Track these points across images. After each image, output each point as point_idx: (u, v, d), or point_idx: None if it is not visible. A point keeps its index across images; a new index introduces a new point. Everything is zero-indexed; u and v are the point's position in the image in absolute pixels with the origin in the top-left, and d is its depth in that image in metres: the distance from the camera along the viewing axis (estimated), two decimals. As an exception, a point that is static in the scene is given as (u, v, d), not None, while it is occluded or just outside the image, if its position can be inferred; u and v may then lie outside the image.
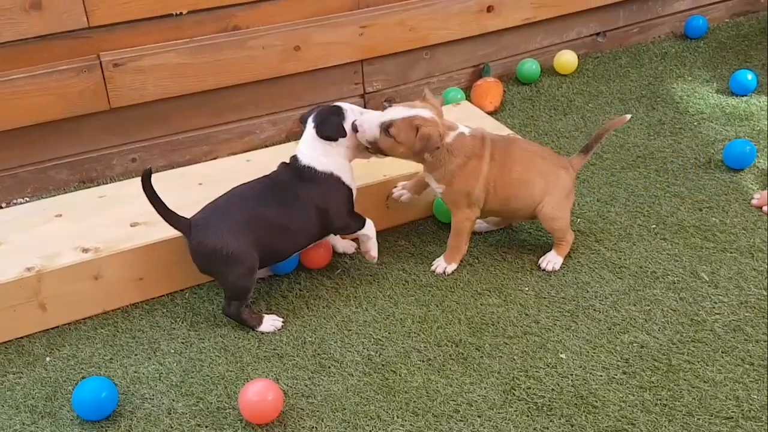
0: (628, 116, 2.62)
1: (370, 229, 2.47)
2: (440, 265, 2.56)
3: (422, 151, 2.34)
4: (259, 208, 2.32)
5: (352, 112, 2.42)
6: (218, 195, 2.59)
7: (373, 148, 2.40)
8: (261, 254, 2.30)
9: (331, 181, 2.38)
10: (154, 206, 2.24)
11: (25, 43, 2.80)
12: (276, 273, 2.56)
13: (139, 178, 2.21)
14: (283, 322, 2.38)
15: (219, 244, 2.24)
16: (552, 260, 2.55)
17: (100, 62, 2.90)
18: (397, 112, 2.35)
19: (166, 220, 2.27)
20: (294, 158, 2.43)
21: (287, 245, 2.38)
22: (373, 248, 2.50)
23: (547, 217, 2.50)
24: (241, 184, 2.40)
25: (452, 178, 2.43)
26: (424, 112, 2.36)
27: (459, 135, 2.43)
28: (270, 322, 2.36)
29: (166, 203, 2.25)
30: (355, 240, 2.61)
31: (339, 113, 2.41)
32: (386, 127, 2.33)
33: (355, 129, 2.36)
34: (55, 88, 2.87)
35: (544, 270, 2.53)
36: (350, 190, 2.43)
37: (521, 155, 2.50)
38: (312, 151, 2.40)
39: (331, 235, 2.55)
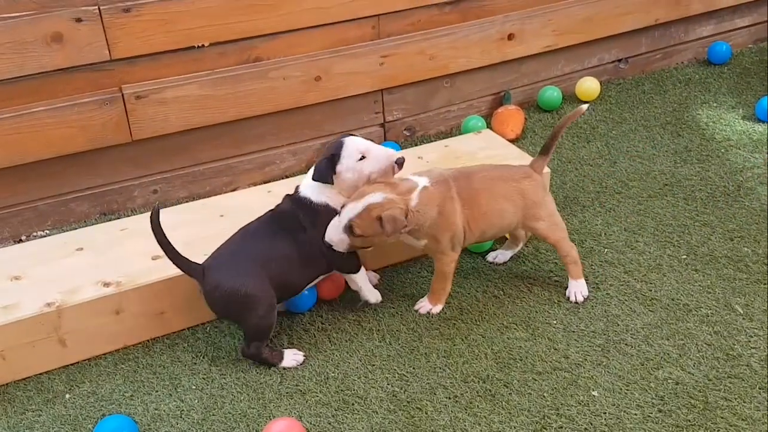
0: (585, 107, 2.55)
1: (358, 277, 2.42)
2: (425, 305, 2.50)
3: (395, 232, 2.26)
4: (268, 244, 2.28)
5: (349, 155, 2.31)
6: (240, 226, 2.58)
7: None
8: (277, 290, 2.27)
9: (327, 213, 2.32)
10: (164, 250, 2.22)
11: (46, 76, 2.81)
12: (295, 311, 2.51)
13: (161, 211, 2.19)
14: (304, 356, 2.33)
15: (235, 286, 2.21)
16: (576, 288, 2.49)
17: (122, 94, 2.90)
18: (351, 209, 2.26)
19: (178, 266, 2.25)
20: (296, 189, 2.41)
21: (300, 277, 2.33)
22: (365, 293, 2.45)
23: (543, 233, 2.47)
24: (250, 222, 2.37)
25: (433, 230, 2.37)
26: (373, 197, 2.25)
27: (422, 191, 2.32)
28: (291, 357, 2.32)
29: (174, 249, 2.24)
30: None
31: (332, 157, 2.32)
32: (349, 229, 2.27)
33: (328, 246, 2.29)
34: (77, 121, 2.87)
35: (575, 302, 2.48)
36: None
37: (483, 185, 2.43)
38: (312, 187, 2.36)
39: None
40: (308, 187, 2.36)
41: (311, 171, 2.38)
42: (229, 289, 2.21)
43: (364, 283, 2.44)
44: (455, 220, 2.37)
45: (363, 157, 2.32)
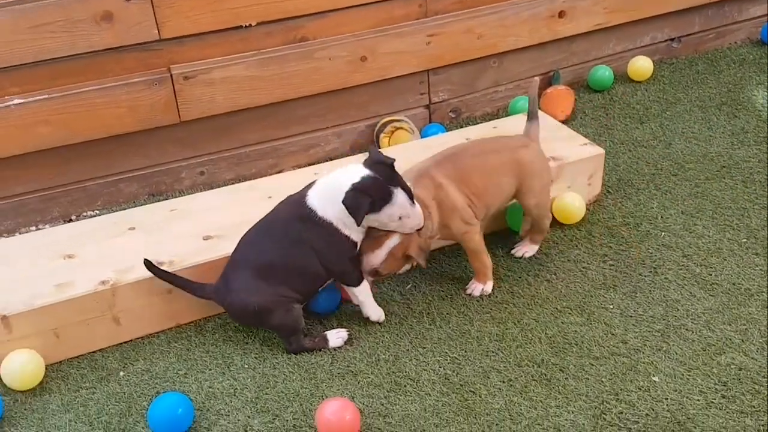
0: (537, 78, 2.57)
1: (360, 291, 2.30)
2: (476, 287, 2.46)
3: (426, 250, 2.30)
4: (268, 255, 2.22)
5: (391, 214, 2.15)
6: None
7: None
8: (291, 288, 2.23)
9: (329, 228, 2.20)
10: (176, 285, 2.28)
11: (96, 55, 2.81)
12: (318, 312, 2.43)
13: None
14: (348, 331, 2.31)
15: (243, 303, 2.22)
16: (529, 249, 2.57)
17: (171, 75, 2.90)
18: (373, 258, 2.24)
19: (192, 293, 2.29)
20: (308, 189, 2.26)
21: (304, 284, 2.26)
22: (366, 309, 2.35)
23: (530, 208, 2.48)
24: (249, 229, 2.30)
25: (441, 222, 2.33)
26: (392, 241, 2.23)
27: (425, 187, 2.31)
28: (335, 337, 2.30)
29: (186, 279, 2.28)
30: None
31: (375, 203, 2.12)
32: (374, 273, 2.28)
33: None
34: (126, 101, 2.87)
35: (521, 257, 2.56)
36: (351, 240, 2.22)
37: (473, 162, 2.38)
38: (325, 191, 2.20)
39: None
40: (318, 196, 2.21)
41: (335, 176, 2.20)
42: (241, 308, 2.24)
43: (366, 297, 2.32)
44: (455, 202, 2.32)
45: (400, 218, 2.17)
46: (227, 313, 2.34)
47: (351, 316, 2.41)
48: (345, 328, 2.34)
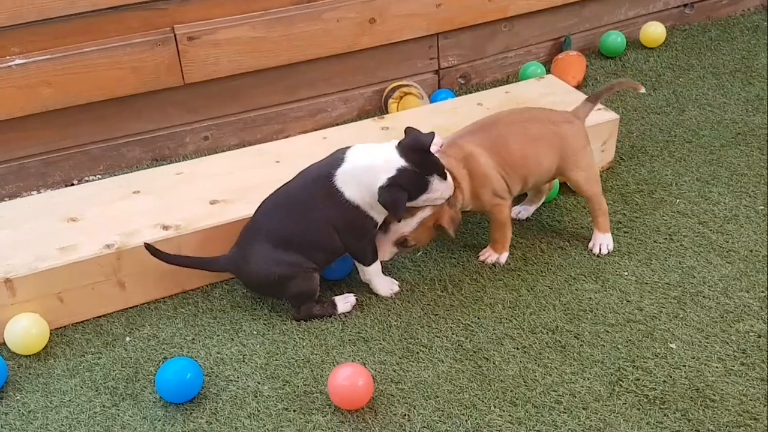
0: (643, 89, 2.47)
1: (371, 271, 2.26)
2: (490, 255, 2.40)
3: (456, 221, 2.24)
4: (286, 228, 2.16)
5: (425, 200, 2.14)
6: (296, 172, 2.50)
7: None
8: (311, 258, 2.18)
9: (355, 211, 2.14)
10: (187, 266, 2.23)
11: (98, 14, 2.73)
12: (329, 278, 2.38)
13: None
14: (356, 296, 2.27)
15: (263, 273, 2.17)
16: (603, 241, 2.40)
17: (175, 35, 2.82)
18: (403, 225, 2.20)
19: (207, 269, 2.25)
20: (336, 165, 2.15)
21: (322, 257, 2.21)
22: (375, 287, 2.30)
23: (580, 185, 2.35)
24: (270, 195, 2.23)
25: (473, 195, 2.27)
26: (425, 213, 2.19)
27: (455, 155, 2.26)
28: (343, 303, 2.26)
29: (194, 257, 2.24)
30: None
31: (411, 195, 2.10)
32: (403, 242, 2.23)
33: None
34: (129, 62, 2.80)
35: (598, 255, 2.38)
36: (373, 221, 2.18)
37: (510, 129, 2.30)
38: (355, 176, 2.12)
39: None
40: (348, 181, 2.12)
41: (359, 164, 2.11)
42: (257, 277, 2.19)
43: (375, 276, 2.28)
44: (487, 172, 2.25)
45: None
46: (243, 284, 2.30)
47: (361, 283, 2.37)
48: (354, 293, 2.30)
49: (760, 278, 2.24)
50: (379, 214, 2.18)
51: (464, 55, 3.38)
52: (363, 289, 2.34)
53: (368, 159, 2.12)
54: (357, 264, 2.28)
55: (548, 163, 2.32)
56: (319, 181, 2.16)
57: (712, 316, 2.13)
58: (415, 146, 2.10)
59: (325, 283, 2.35)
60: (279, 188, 2.24)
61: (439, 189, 2.13)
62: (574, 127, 2.34)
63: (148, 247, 2.18)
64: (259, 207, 2.24)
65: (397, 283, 2.33)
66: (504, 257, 2.41)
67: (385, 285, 2.31)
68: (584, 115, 2.39)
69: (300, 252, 2.16)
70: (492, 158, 2.26)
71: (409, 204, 2.12)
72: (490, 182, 2.27)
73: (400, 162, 2.08)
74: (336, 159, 2.17)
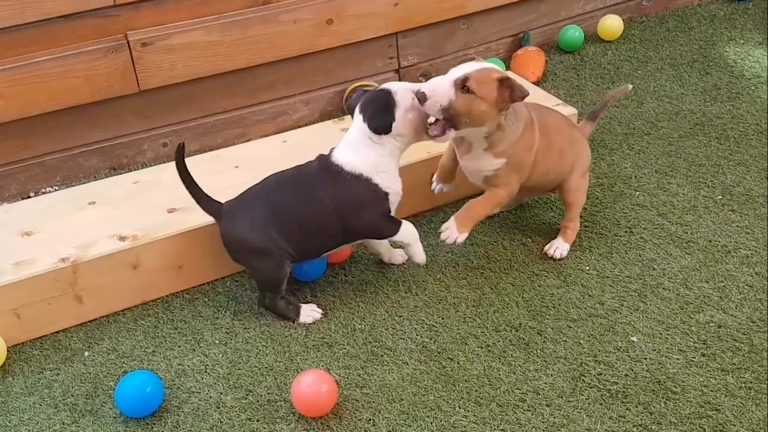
0: (630, 86, 2.52)
1: (405, 234, 2.20)
2: (451, 233, 2.21)
3: (509, 102, 2.06)
4: (286, 202, 2.16)
5: (404, 95, 2.11)
6: (256, 177, 2.47)
7: (446, 116, 2.05)
8: (293, 247, 2.15)
9: (358, 182, 2.14)
10: (187, 187, 2.17)
11: (49, 23, 2.67)
12: (303, 279, 2.36)
13: (172, 164, 2.12)
14: (322, 313, 2.24)
15: (244, 236, 2.14)
16: (560, 246, 2.37)
17: (128, 42, 2.77)
18: (468, 66, 2.07)
19: (199, 203, 2.19)
20: (331, 152, 2.21)
21: (313, 243, 2.19)
22: (416, 254, 2.26)
23: (572, 187, 2.34)
24: (281, 171, 2.24)
25: (514, 150, 2.18)
26: (494, 66, 2.14)
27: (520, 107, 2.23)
28: (308, 312, 2.23)
29: (197, 184, 2.18)
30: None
31: (388, 98, 2.11)
32: (462, 83, 2.02)
33: (422, 98, 2.02)
34: (82, 71, 2.75)
35: (552, 258, 2.36)
36: (384, 192, 2.16)
37: (555, 122, 2.33)
38: (349, 148, 2.16)
39: (381, 244, 2.37)
40: (344, 154, 2.16)
41: (354, 134, 2.15)
42: (238, 238, 2.15)
43: (413, 239, 2.22)
44: (531, 149, 2.22)
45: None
46: (222, 241, 2.20)
47: (325, 287, 2.35)
48: (318, 301, 2.27)
49: (719, 268, 2.26)
50: (387, 180, 2.15)
51: (424, 54, 3.37)
52: (327, 293, 2.32)
53: (349, 133, 2.19)
54: (394, 240, 2.21)
55: (567, 165, 2.32)
56: (322, 163, 2.19)
57: (672, 307, 2.15)
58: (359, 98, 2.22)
59: (296, 284, 2.33)
60: (291, 168, 2.24)
61: (411, 93, 2.10)
62: (586, 141, 2.42)
63: (180, 147, 2.14)
64: (271, 175, 2.23)
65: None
66: (462, 238, 2.22)
67: (422, 251, 2.26)
68: (588, 133, 2.48)
69: (286, 233, 2.13)
70: (540, 138, 2.24)
71: (397, 131, 2.11)
72: (528, 157, 2.22)
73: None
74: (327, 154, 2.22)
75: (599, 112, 2.50)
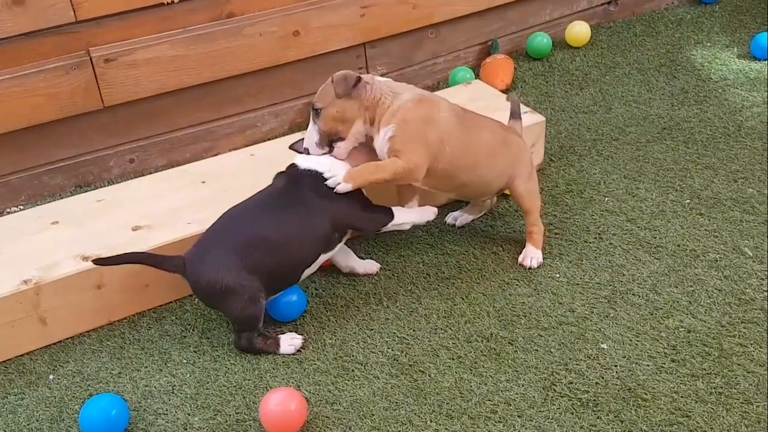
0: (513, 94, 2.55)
1: (400, 218, 2.24)
2: (337, 180, 2.15)
3: (345, 92, 2.14)
4: (254, 230, 2.11)
5: (322, 162, 2.22)
6: (223, 192, 2.46)
7: (331, 140, 2.21)
8: (265, 279, 2.10)
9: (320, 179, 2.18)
10: (138, 263, 2.14)
11: (8, 42, 2.63)
12: (282, 320, 2.26)
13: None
14: (303, 339, 2.18)
15: (213, 279, 2.07)
16: (533, 255, 2.36)
17: (90, 58, 2.74)
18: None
19: (159, 267, 2.14)
20: (292, 166, 2.23)
21: (294, 263, 2.15)
22: (418, 221, 2.29)
23: (522, 193, 2.34)
24: (235, 205, 2.19)
25: (405, 114, 2.14)
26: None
27: (406, 84, 2.27)
28: (288, 343, 2.16)
29: (148, 252, 2.16)
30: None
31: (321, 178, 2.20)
32: (312, 110, 2.20)
33: (308, 151, 2.23)
34: (44, 89, 2.70)
35: (529, 268, 2.35)
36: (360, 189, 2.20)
37: (482, 120, 2.31)
38: (314, 157, 2.23)
39: (352, 258, 2.38)
40: (308, 160, 2.22)
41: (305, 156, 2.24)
42: (207, 282, 2.09)
43: (407, 216, 2.26)
44: (431, 119, 2.16)
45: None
46: (192, 291, 2.17)
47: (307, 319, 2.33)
48: (301, 335, 2.20)
49: (687, 273, 2.27)
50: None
51: (393, 63, 3.36)
52: (299, 322, 2.30)
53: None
54: (392, 228, 2.24)
55: (505, 167, 2.30)
56: (288, 176, 2.20)
57: (642, 313, 2.15)
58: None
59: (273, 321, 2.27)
60: (245, 199, 2.20)
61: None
62: (518, 139, 2.38)
63: (97, 261, 2.11)
64: (224, 212, 2.17)
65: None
66: (345, 187, 2.14)
67: (424, 213, 2.30)
68: (521, 132, 2.45)
69: (260, 265, 2.08)
70: (453, 127, 2.20)
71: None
72: (427, 129, 2.15)
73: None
74: (289, 167, 2.24)
75: (515, 108, 2.46)
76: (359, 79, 2.16)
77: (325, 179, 2.17)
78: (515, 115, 2.46)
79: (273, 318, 2.25)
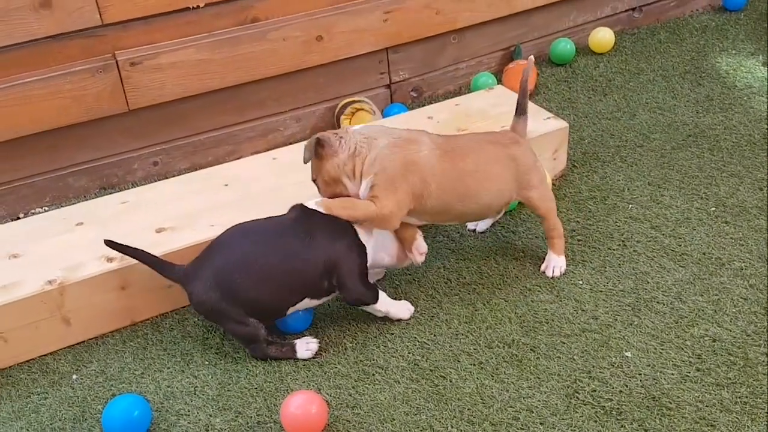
0: (532, 57, 2.36)
1: (384, 304, 2.18)
2: (315, 202, 2.14)
3: (310, 156, 2.12)
4: (242, 254, 2.07)
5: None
6: (244, 195, 2.47)
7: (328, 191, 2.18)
8: (247, 307, 2.06)
9: (346, 231, 2.12)
10: (143, 262, 2.13)
11: (36, 44, 2.67)
12: (289, 332, 2.24)
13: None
14: (318, 343, 2.17)
15: (202, 299, 2.07)
16: (556, 264, 2.33)
17: (116, 61, 2.76)
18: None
19: (161, 273, 2.13)
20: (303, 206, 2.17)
21: (277, 297, 2.09)
22: (395, 315, 2.21)
23: (537, 204, 2.28)
24: (245, 222, 2.15)
25: (383, 162, 2.09)
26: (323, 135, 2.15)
27: (389, 128, 2.18)
28: (304, 348, 2.15)
29: (156, 256, 2.14)
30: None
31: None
32: (313, 180, 2.20)
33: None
34: (70, 91, 2.74)
35: (552, 277, 2.32)
36: (364, 248, 2.14)
37: (470, 145, 2.21)
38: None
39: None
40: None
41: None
42: (197, 300, 2.08)
43: (390, 306, 2.20)
44: (411, 164, 2.09)
45: None
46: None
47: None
48: (316, 338, 2.19)
49: (713, 281, 2.24)
50: (367, 239, 2.14)
51: (415, 69, 3.36)
52: (318, 311, 2.29)
53: None
54: (370, 309, 2.19)
55: (502, 185, 2.23)
56: (304, 214, 2.13)
57: (667, 321, 2.12)
58: None
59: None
60: (257, 219, 2.16)
61: None
62: (522, 147, 2.28)
63: (108, 242, 2.10)
64: (232, 226, 2.15)
65: (410, 304, 2.25)
66: (314, 203, 2.13)
67: (402, 308, 2.24)
68: (523, 131, 2.34)
69: (238, 293, 2.04)
70: (438, 162, 2.13)
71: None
72: (405, 173, 2.08)
73: None
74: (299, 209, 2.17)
75: (522, 102, 2.33)
76: (318, 140, 2.10)
77: (332, 222, 2.11)
78: (521, 110, 2.32)
79: (280, 330, 2.23)
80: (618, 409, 1.89)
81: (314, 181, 2.20)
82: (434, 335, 2.17)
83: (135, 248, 2.12)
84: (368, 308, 2.19)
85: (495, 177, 2.21)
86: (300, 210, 2.14)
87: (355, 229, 2.13)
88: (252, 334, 2.10)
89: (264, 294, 2.07)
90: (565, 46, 3.48)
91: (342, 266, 2.10)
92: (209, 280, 2.06)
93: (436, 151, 2.15)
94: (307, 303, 2.14)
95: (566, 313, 2.19)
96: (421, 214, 2.19)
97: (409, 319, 2.23)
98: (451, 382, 2.02)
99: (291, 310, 2.13)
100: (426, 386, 2.02)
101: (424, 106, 3.32)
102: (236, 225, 2.14)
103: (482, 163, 2.19)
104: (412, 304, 2.28)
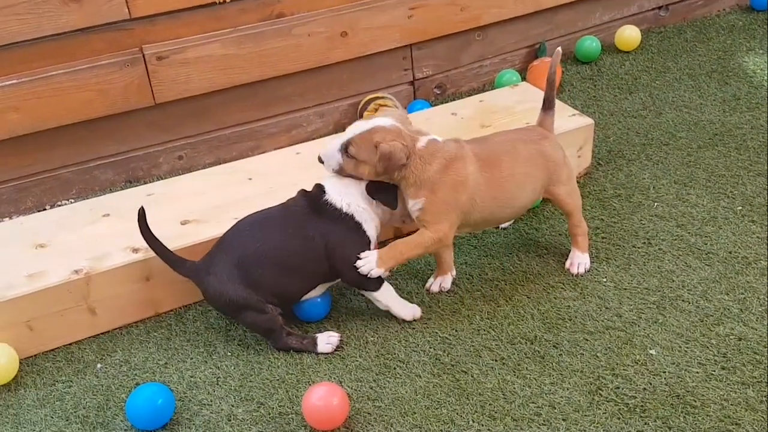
0: (559, 49, 2.29)
1: (384, 295, 2.18)
2: (369, 263, 2.11)
3: (387, 170, 2.06)
4: (261, 246, 2.09)
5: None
6: (268, 189, 2.48)
7: (346, 175, 2.14)
8: (268, 296, 2.10)
9: (351, 223, 2.13)
10: (156, 253, 2.14)
11: (64, 37, 2.70)
12: (306, 320, 2.27)
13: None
14: (340, 337, 2.18)
15: (219, 290, 2.09)
16: (580, 260, 2.32)
17: (143, 55, 2.79)
18: (356, 127, 2.09)
19: (173, 268, 2.15)
20: (319, 188, 2.18)
21: (294, 285, 2.14)
22: (396, 312, 2.21)
23: (564, 199, 2.27)
24: (250, 214, 2.18)
25: (433, 186, 2.08)
26: (383, 120, 2.08)
27: (431, 140, 2.11)
28: (325, 342, 2.16)
29: (171, 251, 2.15)
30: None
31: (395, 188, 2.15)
32: (345, 148, 2.08)
33: (320, 161, 2.15)
34: (97, 84, 2.77)
35: (577, 275, 2.30)
36: (367, 237, 2.15)
37: (503, 147, 2.19)
38: (344, 189, 2.15)
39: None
40: (337, 193, 2.14)
41: (347, 182, 2.14)
42: (214, 293, 2.11)
43: (391, 300, 2.19)
44: (462, 186, 2.09)
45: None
46: (205, 299, 2.21)
47: (337, 299, 2.33)
48: (330, 314, 2.23)
49: (739, 280, 2.21)
50: (371, 228, 2.15)
51: (439, 65, 3.36)
52: (340, 305, 2.30)
53: (345, 180, 2.16)
54: (369, 295, 2.19)
55: (536, 183, 2.21)
56: (309, 198, 2.16)
57: (692, 320, 2.10)
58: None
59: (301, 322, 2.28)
60: (261, 210, 2.19)
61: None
62: (551, 142, 2.26)
63: (141, 211, 2.10)
64: (237, 221, 2.18)
65: (418, 308, 2.24)
66: (377, 272, 2.10)
67: (406, 308, 2.23)
68: (551, 126, 2.31)
69: (264, 278, 2.08)
70: (481, 172, 2.12)
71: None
72: (457, 195, 2.10)
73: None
74: (314, 188, 2.19)
75: (550, 95, 2.28)
76: (405, 166, 2.07)
77: (339, 213, 2.12)
78: (548, 104, 2.29)
79: (298, 318, 2.25)
80: (642, 406, 1.87)
81: (348, 152, 2.10)
82: (456, 331, 2.17)
83: (155, 238, 2.13)
84: (370, 296, 2.19)
85: (529, 177, 2.20)
86: (309, 198, 2.17)
87: (359, 222, 2.13)
88: (270, 326, 2.12)
89: (284, 283, 2.11)
90: (590, 44, 3.45)
91: (338, 248, 2.12)
92: (227, 273, 2.08)
93: (478, 165, 2.14)
94: (321, 288, 2.19)
95: (590, 310, 2.18)
96: (464, 227, 2.20)
97: (431, 315, 2.23)
98: (472, 377, 2.02)
99: (306, 296, 2.17)
100: (447, 381, 2.01)
101: (447, 102, 3.30)
102: (241, 219, 2.18)
103: (516, 165, 2.18)
104: (434, 300, 2.27)
